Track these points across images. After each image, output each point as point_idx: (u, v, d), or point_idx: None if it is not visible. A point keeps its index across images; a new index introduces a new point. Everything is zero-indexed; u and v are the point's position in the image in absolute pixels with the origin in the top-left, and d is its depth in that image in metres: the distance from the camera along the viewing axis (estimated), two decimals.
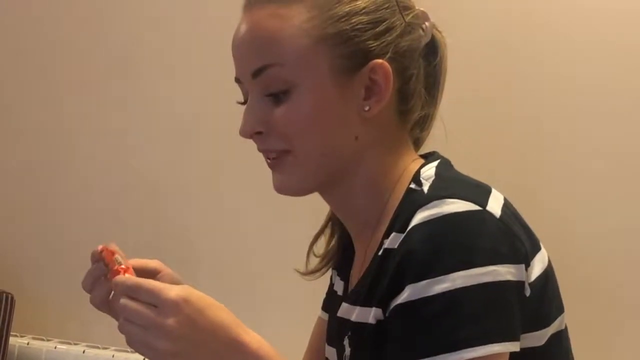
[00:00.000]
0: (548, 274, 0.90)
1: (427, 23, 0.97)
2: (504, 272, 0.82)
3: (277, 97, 0.91)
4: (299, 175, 0.94)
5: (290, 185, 0.95)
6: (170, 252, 1.98)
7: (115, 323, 0.85)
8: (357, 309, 0.92)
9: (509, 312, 0.82)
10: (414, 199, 0.88)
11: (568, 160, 1.80)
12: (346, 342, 0.95)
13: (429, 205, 0.84)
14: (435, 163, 0.95)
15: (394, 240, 0.86)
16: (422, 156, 0.99)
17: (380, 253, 0.89)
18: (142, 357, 0.90)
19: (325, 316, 1.12)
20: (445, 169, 0.95)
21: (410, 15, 0.95)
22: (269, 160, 0.95)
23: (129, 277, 0.85)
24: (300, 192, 0.96)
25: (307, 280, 1.11)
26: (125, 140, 2.16)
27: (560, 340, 0.93)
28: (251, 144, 0.96)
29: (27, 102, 2.25)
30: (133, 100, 2.15)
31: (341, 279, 1.06)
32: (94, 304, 0.92)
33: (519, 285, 0.84)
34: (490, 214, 0.85)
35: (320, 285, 1.14)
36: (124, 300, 0.82)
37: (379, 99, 0.92)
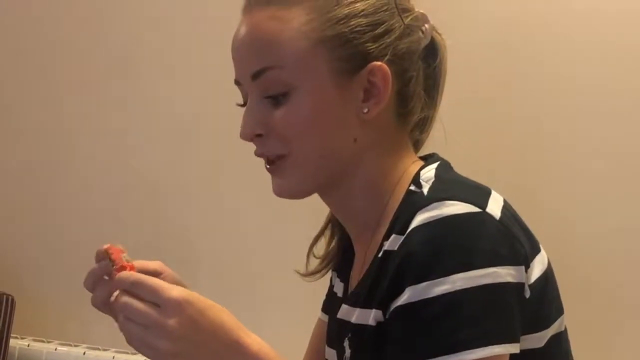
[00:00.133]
0: (548, 276, 0.91)
1: (426, 25, 0.97)
2: (503, 273, 0.82)
3: (277, 99, 0.91)
4: (297, 178, 0.94)
5: (289, 188, 0.95)
6: (170, 252, 1.98)
7: (116, 325, 0.85)
8: (357, 310, 0.93)
9: (509, 314, 0.82)
10: (414, 201, 0.88)
11: (568, 161, 1.80)
12: (346, 343, 0.95)
13: (428, 207, 0.84)
14: (435, 165, 0.95)
15: (393, 242, 0.87)
16: (421, 158, 0.99)
17: (380, 255, 0.89)
18: (143, 358, 0.90)
19: (325, 318, 1.12)
20: (445, 170, 0.95)
21: (410, 18, 0.95)
22: (267, 166, 0.95)
23: (133, 273, 0.85)
24: (300, 194, 0.96)
25: (307, 281, 1.11)
26: (125, 140, 2.16)
27: (560, 341, 0.93)
28: (251, 144, 0.96)
29: (27, 102, 2.25)
30: (133, 100, 2.15)
31: (341, 281, 1.06)
32: (94, 304, 0.92)
33: (518, 287, 0.84)
34: (490, 216, 0.85)
35: (320, 286, 1.14)
36: (125, 299, 0.81)
37: (377, 101, 0.92)
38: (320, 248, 1.10)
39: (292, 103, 0.91)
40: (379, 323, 0.88)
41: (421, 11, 0.98)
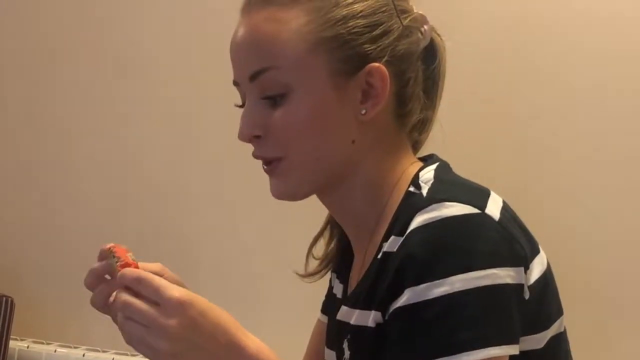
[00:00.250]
0: (547, 277, 0.90)
1: (425, 26, 0.97)
2: (503, 275, 0.82)
3: (275, 100, 0.91)
4: (295, 180, 0.94)
5: (286, 189, 0.95)
6: (170, 252, 1.99)
7: (115, 327, 0.84)
8: (357, 312, 0.92)
9: (508, 315, 0.82)
10: (413, 202, 0.88)
11: (567, 161, 1.80)
12: (345, 345, 0.95)
13: (428, 209, 0.84)
14: (434, 166, 0.95)
15: (393, 244, 0.86)
16: (420, 159, 0.99)
17: (379, 256, 0.89)
18: (142, 359, 0.90)
19: (325, 319, 1.12)
20: (444, 172, 0.95)
21: (408, 19, 0.95)
22: (265, 167, 0.95)
23: (138, 270, 0.84)
24: (298, 196, 0.95)
25: (306, 282, 1.11)
26: (125, 140, 2.16)
27: (560, 342, 0.93)
28: (251, 145, 0.96)
29: (27, 102, 2.25)
30: (133, 100, 2.15)
31: (340, 282, 1.06)
32: (93, 303, 0.91)
33: (518, 288, 0.84)
34: (489, 217, 0.85)
35: (319, 287, 1.14)
36: (125, 297, 0.81)
37: (375, 103, 0.92)
38: (320, 249, 1.10)
39: (290, 104, 0.90)
40: (378, 324, 0.88)
41: (420, 12, 0.98)
